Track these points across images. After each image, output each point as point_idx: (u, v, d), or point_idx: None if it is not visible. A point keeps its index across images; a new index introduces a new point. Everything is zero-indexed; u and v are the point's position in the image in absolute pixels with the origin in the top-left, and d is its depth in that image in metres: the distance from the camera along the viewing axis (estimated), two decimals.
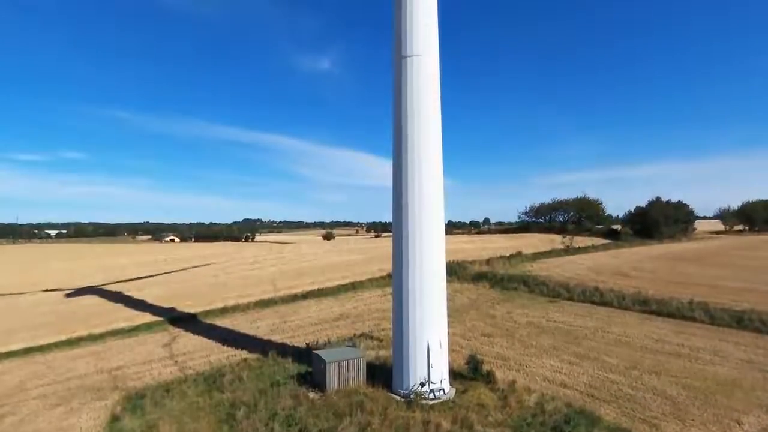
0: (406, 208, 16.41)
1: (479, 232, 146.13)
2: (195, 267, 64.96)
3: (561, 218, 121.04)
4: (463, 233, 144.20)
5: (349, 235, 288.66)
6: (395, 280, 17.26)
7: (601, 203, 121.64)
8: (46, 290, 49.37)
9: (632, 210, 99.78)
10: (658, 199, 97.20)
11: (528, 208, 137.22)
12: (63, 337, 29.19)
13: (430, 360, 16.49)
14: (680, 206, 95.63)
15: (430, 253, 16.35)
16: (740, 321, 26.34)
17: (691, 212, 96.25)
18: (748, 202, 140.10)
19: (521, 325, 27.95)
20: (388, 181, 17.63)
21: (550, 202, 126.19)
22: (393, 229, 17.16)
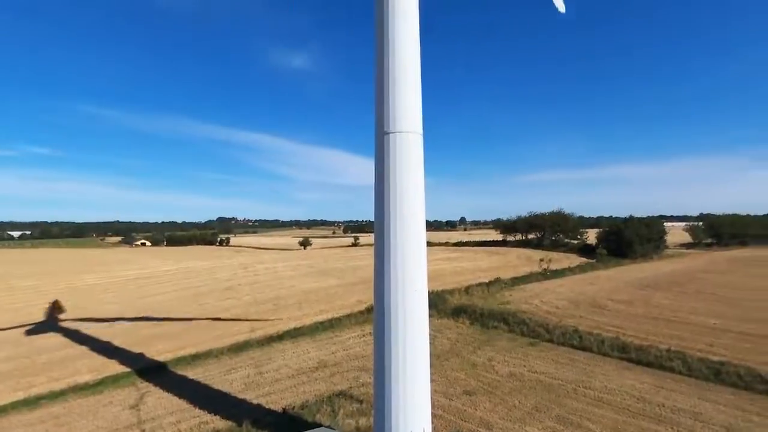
0: (389, 314, 15.56)
1: (456, 244, 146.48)
2: (165, 308, 62.80)
3: (538, 230, 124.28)
4: (439, 244, 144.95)
5: (325, 236, 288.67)
6: (377, 364, 16.47)
7: (576, 217, 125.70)
8: (3, 329, 46.62)
9: (607, 220, 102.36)
10: (631, 217, 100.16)
11: (506, 219, 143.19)
12: (21, 395, 27.35)
13: None
14: (653, 224, 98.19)
15: (413, 351, 15.64)
16: (718, 374, 26.55)
17: (663, 230, 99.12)
18: (717, 215, 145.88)
19: (503, 378, 27.57)
20: (366, 180, 16.84)
21: (527, 215, 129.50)
22: (374, 324, 16.36)
